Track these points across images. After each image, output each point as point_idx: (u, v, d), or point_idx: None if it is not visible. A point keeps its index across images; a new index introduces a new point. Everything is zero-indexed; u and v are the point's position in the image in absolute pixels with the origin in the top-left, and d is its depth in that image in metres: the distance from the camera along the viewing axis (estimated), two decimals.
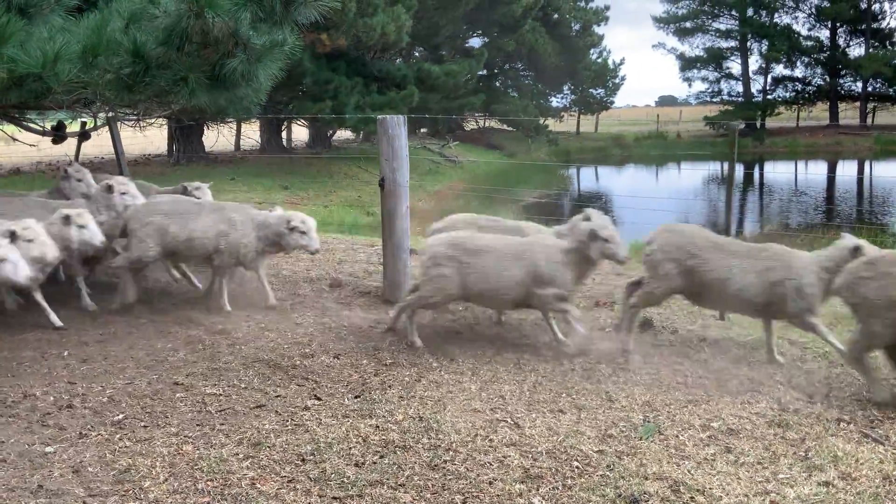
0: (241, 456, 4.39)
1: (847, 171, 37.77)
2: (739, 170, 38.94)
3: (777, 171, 39.06)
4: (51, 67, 6.27)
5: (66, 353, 6.08)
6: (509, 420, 4.89)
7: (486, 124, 46.54)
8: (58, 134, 9.99)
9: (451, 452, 4.43)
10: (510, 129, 43.79)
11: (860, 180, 33.51)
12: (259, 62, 6.81)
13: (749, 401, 5.22)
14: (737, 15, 51.59)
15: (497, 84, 44.80)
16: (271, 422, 4.86)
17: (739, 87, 53.47)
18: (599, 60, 49.51)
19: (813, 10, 50.94)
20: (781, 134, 48.94)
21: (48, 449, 4.48)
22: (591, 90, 51.01)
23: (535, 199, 25.24)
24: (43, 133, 9.95)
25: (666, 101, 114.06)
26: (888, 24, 49.94)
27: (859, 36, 50.66)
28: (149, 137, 25.89)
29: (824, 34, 51.36)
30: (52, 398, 5.19)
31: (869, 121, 49.88)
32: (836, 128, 48.38)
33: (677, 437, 4.66)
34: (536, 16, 36.99)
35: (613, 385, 5.49)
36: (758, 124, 49.25)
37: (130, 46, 6.71)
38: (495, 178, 29.48)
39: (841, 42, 51.23)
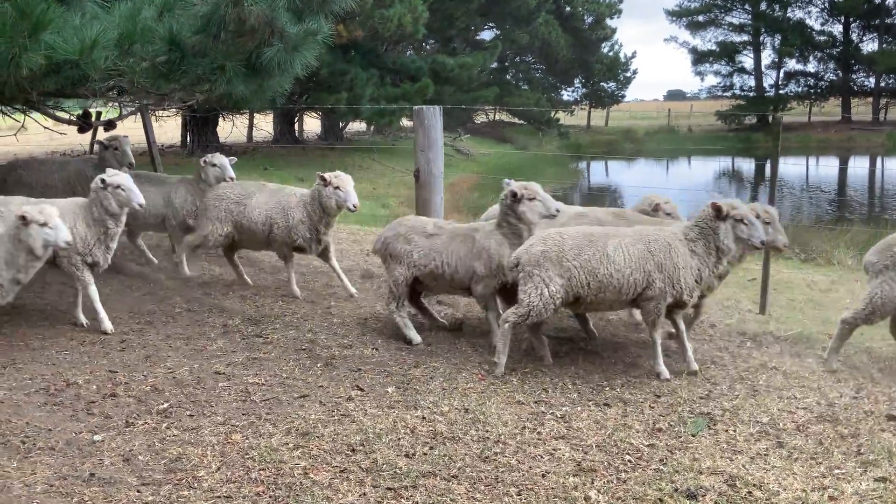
0: (290, 445, 4.38)
1: (861, 165, 37.50)
2: (747, 164, 38.80)
3: (795, 166, 38.76)
4: (88, 54, 6.25)
5: (103, 341, 6.07)
6: (555, 413, 4.86)
7: (496, 117, 46.44)
8: (84, 122, 9.96)
9: (500, 444, 4.41)
10: (521, 122, 43.66)
11: (871, 173, 33.45)
12: (296, 51, 6.77)
13: (795, 395, 5.19)
14: (750, 9, 51.27)
15: (508, 77, 44.70)
16: (317, 412, 4.84)
17: (752, 82, 53.20)
18: (611, 54, 49.38)
19: (826, 4, 50.55)
20: (793, 129, 48.60)
21: (96, 437, 4.47)
22: (602, 83, 50.89)
23: (550, 193, 25.15)
24: (69, 122, 9.92)
25: (674, 95, 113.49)
26: None
27: (872, 31, 50.23)
28: (162, 128, 25.89)
29: (837, 29, 50.99)
30: (94, 387, 5.18)
31: (881, 117, 49.55)
32: (848, 123, 48.11)
33: (727, 431, 4.63)
34: (550, 8, 36.86)
35: (656, 379, 5.45)
36: (770, 119, 49.00)
37: (166, 34, 6.68)
38: (508, 171, 29.33)
39: (854, 37, 50.83)
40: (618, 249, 5.41)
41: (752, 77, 53.03)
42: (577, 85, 51.74)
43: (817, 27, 51.10)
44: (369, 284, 7.79)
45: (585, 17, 43.07)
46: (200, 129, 25.02)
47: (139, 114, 9.35)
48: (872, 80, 50.12)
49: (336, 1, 6.74)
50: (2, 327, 6.31)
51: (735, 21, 52.54)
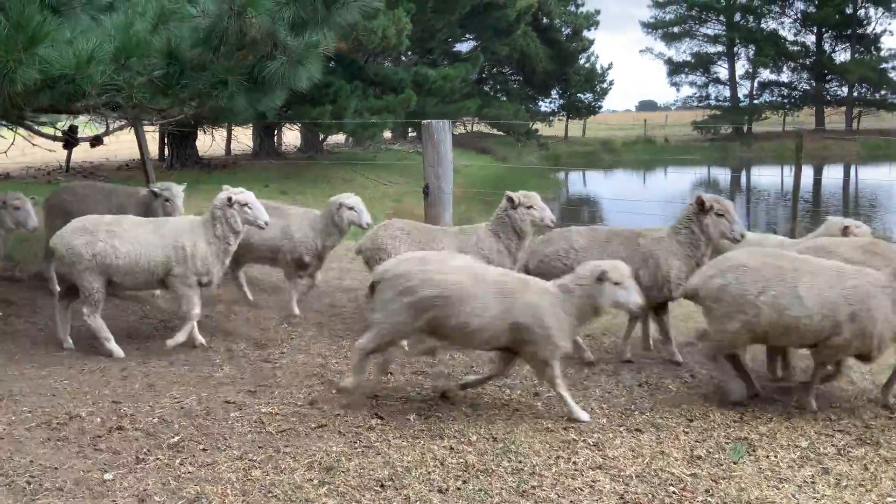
0: (315, 482, 4.14)
1: (835, 174, 37.85)
2: (723, 174, 39.06)
3: (773, 175, 39.03)
4: (84, 69, 5.99)
5: (103, 369, 5.79)
6: (587, 440, 4.67)
7: (474, 129, 46.34)
8: (70, 138, 9.66)
9: (536, 477, 4.20)
10: (500, 133, 43.62)
11: (845, 183, 33.78)
12: (300, 64, 6.56)
13: (829, 417, 5.03)
14: (724, 20, 51.81)
15: (486, 88, 44.64)
16: (338, 443, 4.60)
17: (727, 92, 53.67)
18: (587, 65, 49.54)
19: (799, 15, 51.24)
20: (768, 139, 49.10)
21: (107, 476, 4.19)
22: (579, 95, 51.04)
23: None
24: (54, 138, 9.61)
25: (646, 105, 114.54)
26: (873, 29, 50.28)
27: (845, 41, 50.97)
28: (131, 143, 25.44)
29: (810, 39, 51.70)
30: (98, 419, 4.90)
31: (854, 125, 50.16)
32: (822, 132, 48.65)
33: (768, 457, 4.46)
34: (528, 20, 36.85)
35: (684, 401, 5.27)
36: (745, 129, 49.49)
37: (164, 48, 6.44)
38: (491, 183, 29.26)
39: (827, 47, 51.55)
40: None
41: (727, 87, 53.51)
42: (554, 96, 51.88)
43: (790, 38, 51.81)
44: None
45: (563, 29, 43.15)
46: (179, 143, 24.62)
47: (130, 129, 9.05)
48: (845, 89, 50.79)
49: (341, 13, 6.51)
50: None
51: (709, 32, 53.11)
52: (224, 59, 6.52)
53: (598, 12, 43.84)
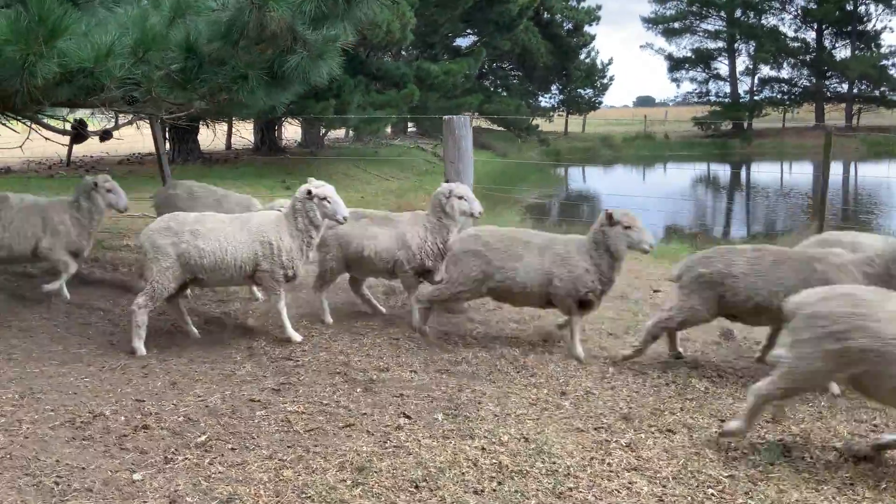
0: (348, 482, 4.08)
1: (839, 171, 37.80)
2: (723, 170, 39.04)
3: (773, 172, 39.05)
4: (102, 63, 5.92)
5: (123, 367, 5.72)
6: (619, 441, 4.61)
7: (473, 124, 46.24)
8: (79, 132, 9.57)
9: (571, 478, 4.15)
10: (500, 128, 43.57)
11: (845, 179, 33.73)
12: (320, 59, 6.48)
13: (861, 417, 4.99)
14: (724, 16, 51.75)
15: (486, 84, 44.55)
16: (367, 443, 4.54)
17: (727, 88, 53.66)
18: (588, 60, 49.46)
19: (799, 11, 51.22)
20: (768, 135, 49.12)
21: (136, 476, 4.13)
22: (579, 90, 50.98)
23: (536, 200, 25.06)
24: (63, 132, 9.53)
25: (644, 101, 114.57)
26: (874, 26, 50.28)
27: (845, 38, 50.98)
28: (137, 136, 25.35)
29: (811, 36, 51.69)
30: (123, 418, 4.83)
31: (854, 122, 50.17)
32: (822, 129, 48.57)
33: (804, 458, 4.41)
34: (529, 15, 36.77)
35: (715, 401, 5.22)
36: (745, 125, 49.49)
37: (182, 41, 6.37)
38: (492, 178, 29.22)
39: (827, 44, 51.55)
40: None
41: (728, 83, 53.48)
42: (554, 91, 51.82)
43: (791, 34, 51.78)
44: (393, 301, 7.49)
45: (564, 24, 43.08)
46: (181, 138, 24.52)
47: (142, 124, 8.96)
48: (845, 86, 50.79)
49: (361, 7, 6.44)
50: (12, 352, 5.95)
51: (710, 28, 53.05)
52: (243, 54, 6.45)
53: (599, 7, 43.77)
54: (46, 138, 8.39)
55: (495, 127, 44.67)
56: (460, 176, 6.84)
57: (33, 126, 8.19)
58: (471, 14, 30.08)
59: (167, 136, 25.48)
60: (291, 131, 34.72)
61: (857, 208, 25.21)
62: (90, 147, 22.73)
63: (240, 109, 7.72)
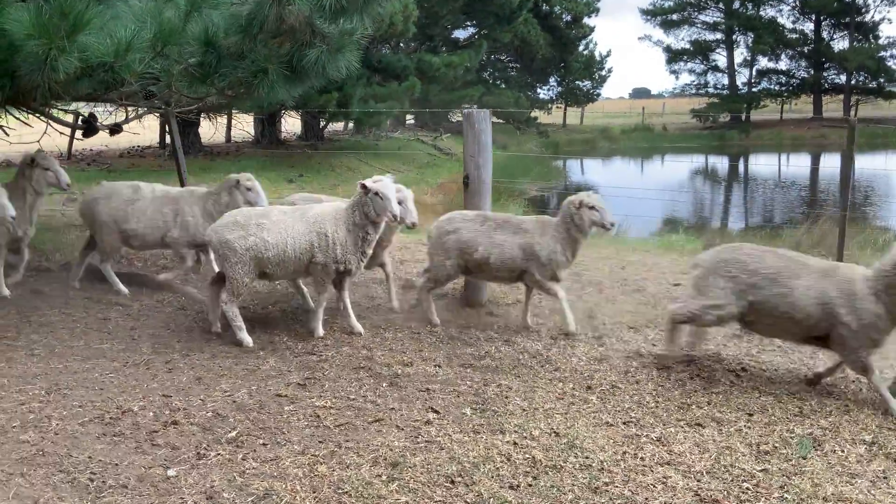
0: (383, 478, 4.08)
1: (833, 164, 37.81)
2: (721, 162, 39.03)
3: (772, 165, 39.07)
4: (122, 57, 5.89)
5: (147, 362, 5.71)
6: (649, 435, 4.62)
7: None
8: (89, 126, 9.51)
9: (606, 473, 4.16)
10: (499, 121, 43.53)
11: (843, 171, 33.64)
12: (339, 52, 6.46)
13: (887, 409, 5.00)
14: (723, 7, 51.69)
15: (485, 76, 44.48)
16: (398, 438, 4.54)
17: (725, 80, 53.63)
18: (586, 52, 49.42)
19: (797, 2, 51.14)
20: (766, 127, 49.17)
21: (170, 472, 4.13)
22: (577, 82, 50.95)
23: (537, 192, 25.06)
24: (74, 126, 9.49)
25: (640, 93, 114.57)
26: (872, 17, 50.27)
27: (843, 29, 50.95)
28: (136, 129, 25.22)
29: (808, 27, 51.68)
30: (151, 413, 4.83)
31: (852, 114, 50.20)
32: (819, 120, 48.68)
33: (835, 452, 4.42)
34: (529, 7, 36.69)
35: (741, 395, 5.23)
36: (743, 117, 49.52)
37: (201, 35, 6.34)
38: (494, 170, 29.18)
39: (825, 35, 51.52)
40: None
41: (726, 75, 53.47)
42: (552, 83, 51.78)
43: (789, 25, 51.74)
44: (411, 295, 7.48)
45: (563, 16, 42.99)
46: (182, 131, 24.37)
47: (161, 118, 8.91)
48: (843, 77, 50.80)
49: (381, 1, 6.41)
50: (34, 347, 5.93)
51: (708, 20, 52.99)
52: (261, 47, 6.42)
53: None
54: (61, 132, 8.35)
55: (494, 119, 44.58)
56: (480, 170, 6.82)
57: (47, 120, 8.13)
58: (471, 6, 30.02)
59: (168, 129, 25.38)
60: (290, 124, 34.68)
61: (855, 199, 25.27)
62: (90, 140, 22.65)
63: (254, 103, 7.68)
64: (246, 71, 6.32)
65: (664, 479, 4.09)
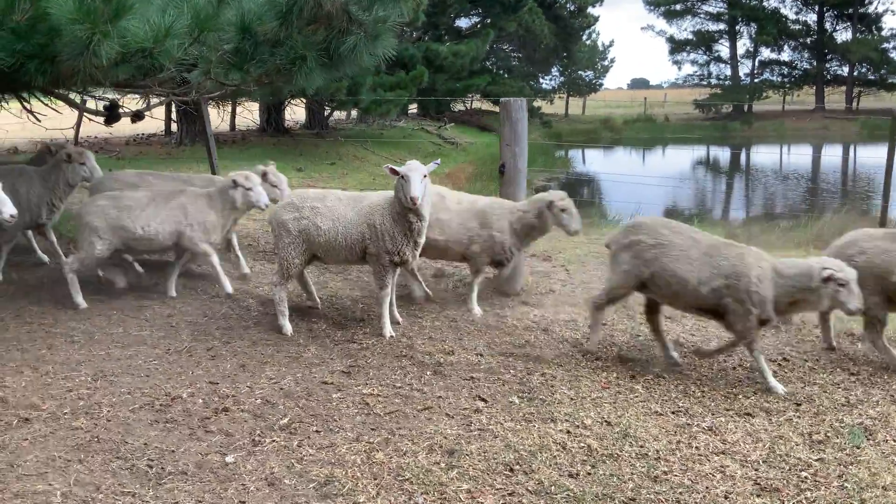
0: (442, 465, 4.09)
1: (845, 154, 37.86)
2: (723, 152, 39.02)
3: (786, 155, 39.03)
4: (161, 43, 5.85)
5: (190, 349, 5.71)
6: (700, 425, 4.63)
7: (473, 105, 46.09)
8: (112, 113, 9.47)
9: (663, 462, 4.17)
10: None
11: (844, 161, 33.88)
12: (376, 39, 6.43)
13: None
14: None
15: (488, 65, 44.31)
16: (450, 426, 4.55)
17: (728, 71, 53.55)
18: (588, 42, 49.33)
19: None
20: (768, 118, 49.10)
21: (228, 458, 4.13)
22: (580, 72, 50.86)
23: (544, 182, 25.02)
24: (96, 113, 9.44)
25: (638, 83, 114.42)
26: (875, 8, 50.19)
27: (846, 20, 50.86)
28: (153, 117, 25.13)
29: (811, 18, 51.60)
30: (200, 400, 4.83)
31: (854, 105, 50.19)
32: (822, 112, 48.65)
33: (887, 441, 4.44)
34: None
35: (785, 384, 5.23)
36: (745, 108, 49.46)
37: (238, 22, 6.31)
38: (498, 159, 29.16)
39: (828, 26, 51.45)
40: None
41: (728, 66, 53.39)
42: (554, 73, 51.66)
43: (792, 16, 51.65)
44: (444, 284, 7.47)
45: (568, 6, 42.84)
46: (189, 119, 24.30)
47: (197, 105, 8.89)
48: (846, 68, 50.75)
49: None
50: (73, 335, 5.92)
51: (711, 10, 52.85)
52: (298, 34, 6.39)
53: None
54: (90, 119, 8.31)
55: (496, 109, 44.48)
56: (516, 159, 6.81)
57: (77, 107, 8.09)
58: None
59: (174, 117, 25.30)
60: (293, 113, 34.55)
61: (855, 190, 25.32)
62: (95, 128, 22.56)
63: (284, 89, 7.64)
64: (283, 58, 6.28)
65: (722, 468, 4.11)
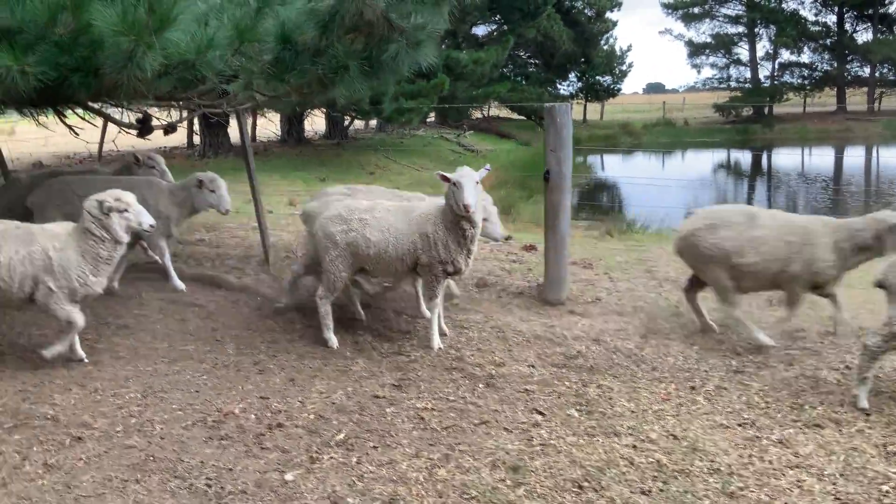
0: (508, 482, 3.97)
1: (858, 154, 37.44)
2: (744, 155, 38.69)
3: (811, 157, 38.66)
4: (203, 54, 5.79)
5: (236, 363, 5.62)
6: (770, 437, 4.48)
7: (490, 112, 46.03)
8: (145, 126, 9.44)
9: (736, 477, 4.02)
10: (519, 117, 43.32)
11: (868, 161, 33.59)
12: (418, 46, 6.33)
13: None
14: (744, 0, 51.24)
15: (505, 71, 44.25)
16: (510, 440, 4.43)
17: (748, 74, 53.19)
18: (606, 47, 49.13)
19: None
20: (788, 120, 48.70)
21: (287, 476, 4.03)
22: (598, 77, 50.66)
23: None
24: (129, 126, 9.41)
25: (654, 88, 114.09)
26: (895, 9, 49.66)
27: (866, 21, 50.40)
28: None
29: (831, 19, 51.17)
30: (253, 416, 4.74)
31: (876, 106, 49.67)
32: (843, 113, 48.19)
33: None
34: (552, 2, 36.48)
35: (852, 395, 5.07)
36: (766, 110, 49.08)
37: (278, 32, 6.23)
38: (521, 167, 29.06)
39: (848, 27, 50.99)
40: None
41: (748, 69, 53.04)
42: (571, 79, 51.47)
43: (811, 17, 51.26)
44: (487, 294, 7.34)
45: (586, 11, 42.72)
46: (211, 131, 24.37)
47: (235, 116, 8.84)
48: (866, 69, 50.27)
49: None
50: (117, 350, 5.85)
51: (730, 13, 52.54)
52: (340, 43, 6.30)
53: None
54: (126, 131, 8.26)
55: (514, 116, 44.36)
56: (561, 165, 6.69)
57: (105, 119, 8.06)
58: (497, 1, 29.83)
59: (197, 130, 25.38)
60: (312, 123, 34.59)
61: (881, 190, 24.99)
62: (119, 141, 22.65)
63: (323, 99, 7.56)
64: (325, 67, 6.19)
65: (799, 483, 3.96)
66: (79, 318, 5.38)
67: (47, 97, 6.16)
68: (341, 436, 4.49)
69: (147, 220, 5.47)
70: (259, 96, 6.79)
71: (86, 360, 5.52)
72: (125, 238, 5.44)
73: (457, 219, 5.61)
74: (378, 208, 5.95)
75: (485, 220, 6.21)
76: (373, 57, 6.34)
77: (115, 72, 5.47)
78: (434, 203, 5.93)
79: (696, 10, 52.39)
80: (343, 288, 6.17)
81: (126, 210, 5.38)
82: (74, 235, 5.35)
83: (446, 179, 5.56)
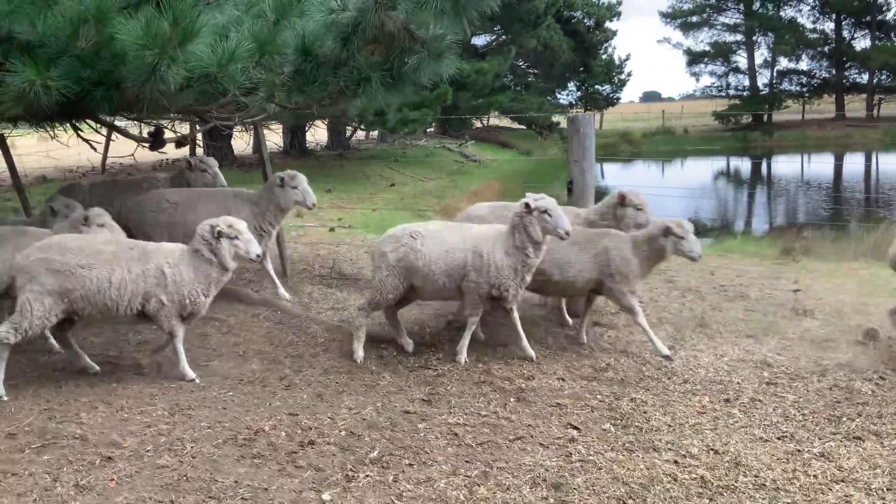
0: (551, 501, 3.89)
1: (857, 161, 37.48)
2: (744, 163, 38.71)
3: (812, 164, 38.67)
4: (225, 67, 5.73)
5: (262, 380, 5.54)
6: (811, 451, 4.41)
7: (490, 122, 46.05)
8: (157, 139, 9.39)
9: (783, 493, 3.96)
10: (519, 126, 43.34)
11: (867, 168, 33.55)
12: (440, 57, 6.29)
13: None
14: (742, 8, 51.35)
15: (505, 81, 44.27)
16: (548, 457, 4.36)
17: (746, 81, 53.25)
18: (605, 56, 49.20)
19: (817, 2, 50.76)
20: (788, 127, 48.74)
21: (325, 496, 3.95)
22: (597, 86, 50.74)
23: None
24: (141, 140, 9.35)
25: (650, 96, 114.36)
26: (893, 15, 49.84)
27: (864, 28, 50.53)
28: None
29: (829, 26, 51.25)
30: (283, 433, 4.65)
31: (875, 113, 49.73)
32: (842, 120, 48.25)
33: None
34: (551, 12, 36.52)
35: (890, 405, 5.01)
36: (765, 118, 49.12)
37: (299, 44, 6.18)
38: (524, 176, 29.07)
39: (846, 34, 51.12)
40: None
41: (747, 76, 53.11)
42: (571, 88, 51.54)
43: (809, 25, 51.37)
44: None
45: (585, 21, 42.79)
46: (216, 143, 24.31)
47: (252, 129, 8.78)
48: (865, 76, 50.37)
49: (482, 2, 6.22)
50: (140, 366, 5.77)
51: (728, 21, 52.66)
52: (362, 55, 6.25)
53: (619, 2, 43.46)
54: (144, 145, 8.20)
55: (514, 125, 44.38)
56: (584, 175, 6.65)
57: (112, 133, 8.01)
58: (500, 11, 29.82)
59: (201, 142, 25.32)
60: (313, 134, 34.55)
61: (880, 198, 24.98)
62: (121, 154, 22.59)
63: (333, 111, 7.52)
64: (347, 79, 6.14)
65: (846, 499, 3.89)
66: (181, 330, 5.46)
67: (68, 111, 6.12)
68: (375, 453, 4.41)
69: (255, 249, 5.46)
70: (274, 108, 6.72)
71: (197, 381, 5.47)
72: (232, 265, 5.45)
73: (525, 245, 5.60)
74: (430, 225, 6.01)
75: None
76: (394, 68, 6.28)
77: (137, 85, 5.42)
78: (494, 227, 5.91)
79: (694, 18, 52.49)
80: (391, 318, 6.21)
81: (237, 238, 5.40)
82: (187, 255, 5.41)
83: (528, 208, 5.53)
